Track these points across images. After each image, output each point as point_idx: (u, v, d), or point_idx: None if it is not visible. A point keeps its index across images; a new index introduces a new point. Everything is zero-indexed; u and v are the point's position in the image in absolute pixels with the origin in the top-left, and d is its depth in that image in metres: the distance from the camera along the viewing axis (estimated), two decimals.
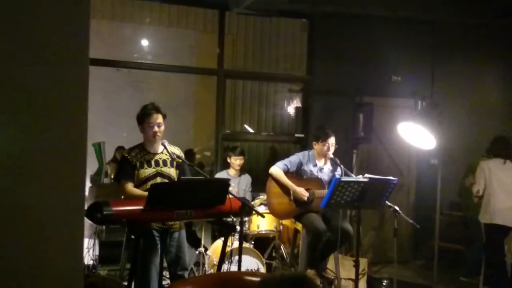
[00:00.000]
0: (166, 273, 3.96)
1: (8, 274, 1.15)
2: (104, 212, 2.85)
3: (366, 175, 3.77)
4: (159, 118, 3.50)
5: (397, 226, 3.99)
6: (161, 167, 3.53)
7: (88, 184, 5.77)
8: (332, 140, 4.34)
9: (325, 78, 6.18)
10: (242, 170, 5.35)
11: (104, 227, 5.09)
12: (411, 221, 4.25)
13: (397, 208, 3.85)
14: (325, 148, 4.32)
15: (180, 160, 3.61)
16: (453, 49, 6.51)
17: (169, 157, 3.57)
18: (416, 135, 4.31)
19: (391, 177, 3.76)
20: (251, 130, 7.16)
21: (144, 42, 7.92)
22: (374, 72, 6.18)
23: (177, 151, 3.66)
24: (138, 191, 3.39)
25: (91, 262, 5.06)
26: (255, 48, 6.81)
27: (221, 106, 6.07)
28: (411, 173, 6.60)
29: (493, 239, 4.67)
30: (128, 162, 3.46)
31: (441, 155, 4.81)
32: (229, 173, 5.23)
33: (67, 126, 1.19)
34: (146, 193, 3.22)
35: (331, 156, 4.35)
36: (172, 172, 3.58)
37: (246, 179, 5.32)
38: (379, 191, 3.72)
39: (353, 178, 3.90)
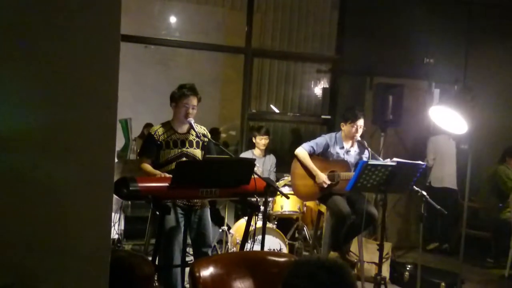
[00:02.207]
0: (189, 250, 4.01)
1: (37, 248, 1.16)
2: (131, 188, 2.88)
3: (394, 159, 3.70)
4: (195, 101, 3.52)
5: (424, 211, 3.93)
6: (187, 148, 3.54)
7: (114, 160, 5.84)
8: (360, 122, 4.26)
9: (355, 59, 6.04)
10: (267, 151, 5.34)
11: (129, 202, 5.17)
12: (438, 207, 4.16)
13: (424, 193, 3.77)
14: (353, 130, 4.25)
15: (207, 140, 3.61)
16: (488, 32, 6.27)
17: (194, 138, 3.57)
18: (447, 119, 4.19)
19: (419, 162, 3.67)
20: (277, 110, 7.09)
21: (172, 19, 7.89)
22: (406, 53, 6.01)
23: (203, 131, 3.66)
24: (149, 168, 3.43)
25: (116, 237, 5.16)
26: (284, 26, 6.68)
27: (248, 85, 6.02)
28: None
29: None
30: (153, 141, 3.48)
31: (471, 140, 4.67)
32: (254, 153, 5.22)
33: (97, 101, 1.18)
34: (155, 171, 3.34)
35: (359, 138, 4.28)
36: (197, 153, 3.59)
37: (271, 159, 5.31)
38: (407, 176, 3.64)
39: (381, 161, 3.83)
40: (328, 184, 4.22)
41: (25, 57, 1.12)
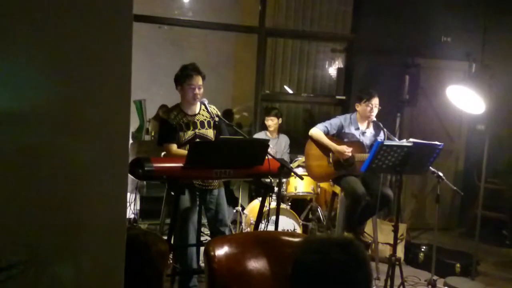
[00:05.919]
0: (204, 230, 4.04)
1: (51, 225, 1.17)
2: (146, 168, 2.89)
3: (411, 139, 3.65)
4: (200, 80, 3.46)
5: (440, 193, 3.90)
6: (199, 129, 3.53)
7: (129, 141, 5.88)
8: (375, 101, 4.20)
9: (370, 38, 5.94)
10: (281, 131, 5.31)
11: (145, 182, 5.21)
12: (455, 187, 4.12)
13: (441, 174, 3.74)
14: (368, 108, 4.20)
15: (217, 119, 3.59)
16: (507, 8, 6.08)
17: (206, 118, 3.55)
18: (465, 99, 4.11)
19: (436, 142, 3.62)
20: (290, 91, 7.03)
21: None
22: (422, 32, 5.88)
23: (214, 110, 3.64)
24: (183, 152, 3.36)
25: (132, 216, 5.22)
26: (298, 5, 6.58)
27: (261, 66, 5.97)
28: (461, 139, 6.39)
29: None
30: (169, 125, 3.47)
31: (489, 120, 4.59)
32: (268, 134, 5.20)
33: (111, 78, 1.17)
34: None
35: (374, 119, 4.23)
36: (210, 133, 3.58)
37: (285, 140, 5.29)
38: (424, 156, 3.59)
39: (396, 142, 3.78)
40: (343, 163, 4.18)
41: (37, 34, 1.11)
